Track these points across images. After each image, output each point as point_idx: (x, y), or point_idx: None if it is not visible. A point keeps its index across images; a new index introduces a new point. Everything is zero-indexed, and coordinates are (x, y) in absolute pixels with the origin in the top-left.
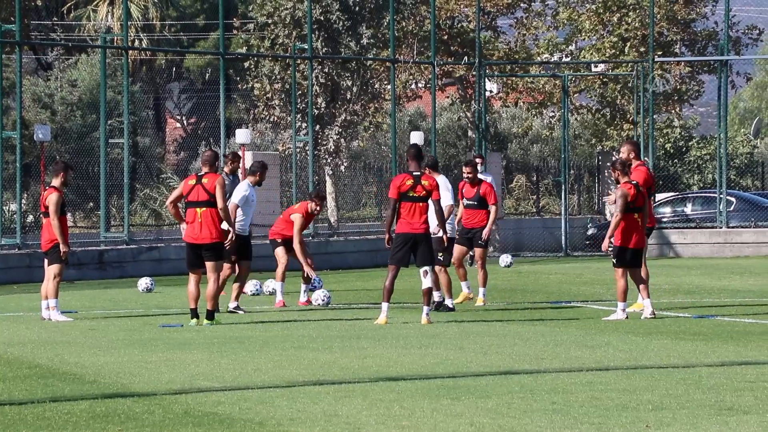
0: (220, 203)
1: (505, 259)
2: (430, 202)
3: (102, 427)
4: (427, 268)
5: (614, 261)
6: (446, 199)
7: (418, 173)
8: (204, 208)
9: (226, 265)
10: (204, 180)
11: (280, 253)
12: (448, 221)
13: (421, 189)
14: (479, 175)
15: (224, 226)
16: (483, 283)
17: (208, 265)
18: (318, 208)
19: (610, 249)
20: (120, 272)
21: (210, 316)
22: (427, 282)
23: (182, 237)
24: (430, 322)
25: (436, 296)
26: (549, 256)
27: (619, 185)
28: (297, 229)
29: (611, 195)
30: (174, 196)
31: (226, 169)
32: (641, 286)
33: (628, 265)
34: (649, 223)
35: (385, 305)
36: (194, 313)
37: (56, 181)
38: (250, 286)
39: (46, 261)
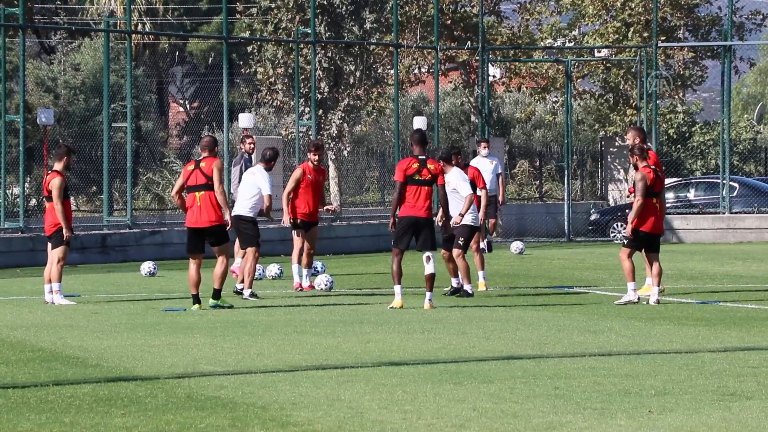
0: (216, 186)
1: (518, 245)
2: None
3: (105, 411)
4: (429, 253)
5: (624, 241)
6: (465, 189)
7: (424, 157)
8: (203, 192)
9: (251, 250)
10: (202, 164)
11: (296, 235)
12: (470, 210)
13: (427, 173)
14: (485, 159)
15: (249, 212)
16: (481, 266)
17: (215, 250)
18: (317, 157)
19: (630, 234)
20: (123, 256)
21: (215, 295)
22: (429, 267)
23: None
24: (432, 307)
25: (453, 282)
26: (552, 241)
27: (637, 170)
28: (289, 182)
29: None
30: (178, 185)
31: (246, 147)
32: (654, 272)
33: (639, 248)
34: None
35: (397, 288)
36: (196, 299)
37: (59, 165)
38: (275, 269)
39: (49, 245)
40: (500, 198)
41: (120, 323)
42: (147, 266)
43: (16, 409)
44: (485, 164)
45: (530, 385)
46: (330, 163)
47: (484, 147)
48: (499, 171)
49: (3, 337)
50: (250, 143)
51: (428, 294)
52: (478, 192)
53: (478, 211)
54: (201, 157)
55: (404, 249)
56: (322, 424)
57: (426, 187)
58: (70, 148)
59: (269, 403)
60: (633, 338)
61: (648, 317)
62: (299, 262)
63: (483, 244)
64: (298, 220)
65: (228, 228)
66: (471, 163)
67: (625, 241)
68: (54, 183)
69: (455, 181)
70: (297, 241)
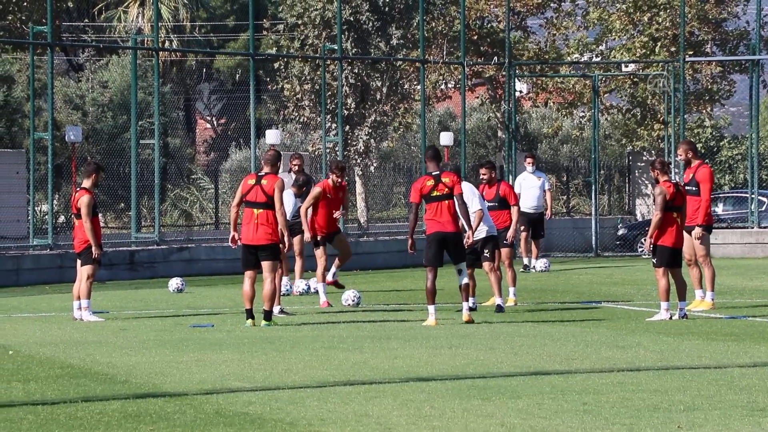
0: (278, 207)
1: (543, 263)
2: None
3: (134, 427)
4: (462, 265)
5: (654, 261)
6: (474, 204)
7: (437, 173)
8: (261, 210)
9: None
10: (263, 181)
11: (319, 253)
12: (483, 221)
13: (443, 187)
14: (532, 175)
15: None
16: (512, 282)
17: (265, 265)
18: (339, 179)
19: (649, 249)
20: (151, 273)
21: (267, 316)
22: (463, 278)
23: (229, 240)
24: (471, 318)
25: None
26: (579, 256)
27: (658, 184)
28: (307, 199)
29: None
30: (237, 198)
31: (294, 168)
32: (681, 287)
33: (668, 265)
34: (708, 220)
35: (431, 307)
36: (249, 314)
37: (87, 183)
38: (303, 285)
39: (78, 262)
40: (547, 213)
41: (148, 339)
42: (175, 282)
43: (46, 426)
44: (532, 180)
45: (558, 400)
46: (357, 178)
47: (530, 163)
48: (547, 187)
49: (32, 354)
50: (296, 164)
51: (465, 304)
52: (511, 207)
53: (508, 228)
54: (263, 173)
55: (437, 265)
56: None
57: (446, 202)
58: (98, 165)
59: (297, 419)
60: (661, 353)
61: (676, 332)
62: (324, 280)
63: (532, 261)
64: (318, 237)
65: (286, 250)
66: (517, 179)
67: (654, 260)
68: (83, 200)
69: (465, 195)
70: (321, 259)
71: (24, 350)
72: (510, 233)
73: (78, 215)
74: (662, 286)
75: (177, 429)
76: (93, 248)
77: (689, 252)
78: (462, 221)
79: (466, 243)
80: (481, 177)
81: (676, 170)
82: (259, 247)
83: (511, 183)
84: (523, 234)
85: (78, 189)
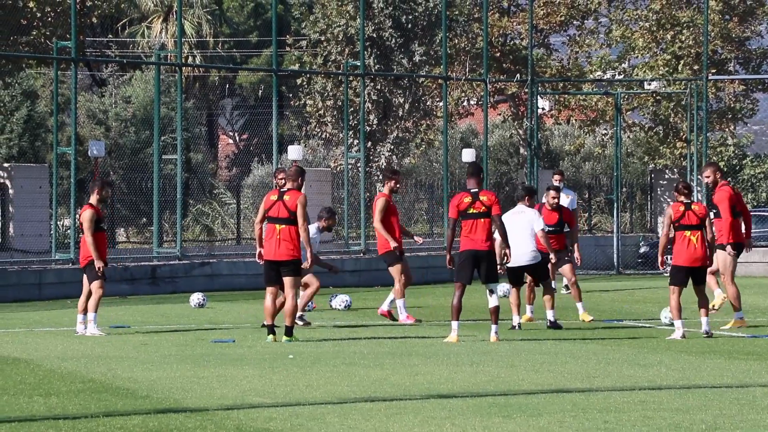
0: (300, 222)
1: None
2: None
3: None
4: (492, 286)
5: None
6: (539, 224)
7: (476, 190)
8: (283, 225)
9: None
10: (286, 197)
11: (399, 268)
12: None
13: (480, 205)
14: (561, 192)
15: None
16: (579, 297)
17: (286, 281)
18: (396, 184)
19: (662, 266)
20: (172, 287)
21: (288, 332)
22: (493, 300)
23: (256, 257)
24: (498, 340)
25: (550, 315)
26: (601, 274)
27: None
28: (376, 212)
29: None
30: (260, 215)
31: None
32: (703, 308)
33: (680, 283)
34: (736, 239)
35: (455, 324)
36: (271, 330)
37: (92, 198)
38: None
39: (85, 276)
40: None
41: (169, 354)
42: (196, 298)
43: None
44: (561, 198)
45: (579, 418)
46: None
47: (558, 180)
48: (575, 206)
49: (54, 368)
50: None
51: (494, 327)
52: (570, 229)
53: (567, 248)
54: (285, 188)
55: (466, 283)
56: None
57: (482, 220)
58: (105, 180)
59: None
60: (683, 372)
61: (698, 351)
62: (403, 295)
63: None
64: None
65: (308, 266)
66: (545, 196)
67: (670, 278)
68: (85, 215)
69: (531, 218)
70: (401, 274)
71: (46, 364)
72: (577, 254)
73: (82, 230)
74: (672, 304)
75: None
76: (95, 262)
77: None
78: (498, 241)
79: (503, 264)
80: (550, 200)
81: (699, 188)
82: (280, 263)
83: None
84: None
85: (83, 205)
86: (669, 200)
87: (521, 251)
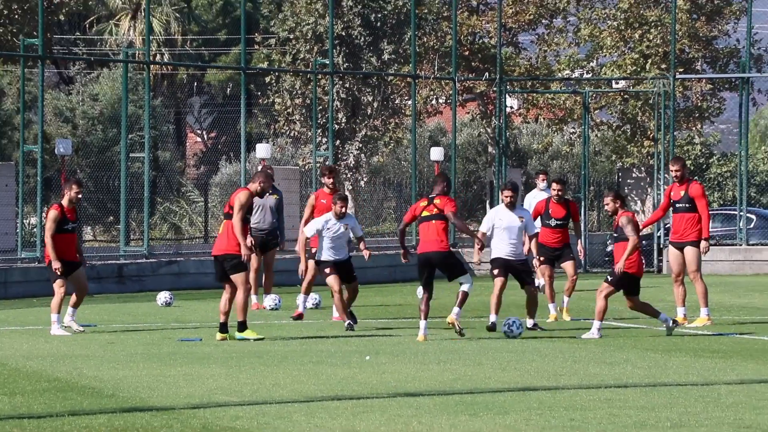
0: (234, 215)
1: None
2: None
3: None
4: (462, 279)
5: (609, 278)
6: (532, 227)
7: (433, 195)
8: (225, 220)
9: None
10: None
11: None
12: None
13: (433, 207)
14: (543, 192)
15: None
16: (569, 293)
17: (233, 277)
18: (330, 180)
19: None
20: (139, 286)
21: (241, 328)
22: (465, 288)
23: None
24: (457, 323)
25: (529, 323)
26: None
27: (619, 213)
28: (305, 210)
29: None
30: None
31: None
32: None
33: (623, 288)
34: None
35: (422, 323)
36: (223, 327)
37: (64, 198)
38: (270, 300)
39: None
40: None
41: (136, 353)
42: (163, 296)
43: None
44: (543, 198)
45: (546, 416)
46: (347, 193)
47: (543, 180)
48: None
49: (19, 367)
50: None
51: (456, 309)
52: (573, 224)
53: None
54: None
55: (425, 288)
56: None
57: (434, 221)
58: (77, 181)
59: None
60: (649, 370)
61: (664, 349)
62: (307, 292)
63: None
64: (313, 250)
65: (243, 259)
66: (527, 196)
67: (610, 279)
68: (48, 215)
69: (527, 218)
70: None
71: (11, 363)
72: (580, 247)
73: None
74: (601, 306)
75: None
76: (53, 263)
77: (678, 268)
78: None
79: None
80: (555, 193)
81: (665, 186)
82: (220, 258)
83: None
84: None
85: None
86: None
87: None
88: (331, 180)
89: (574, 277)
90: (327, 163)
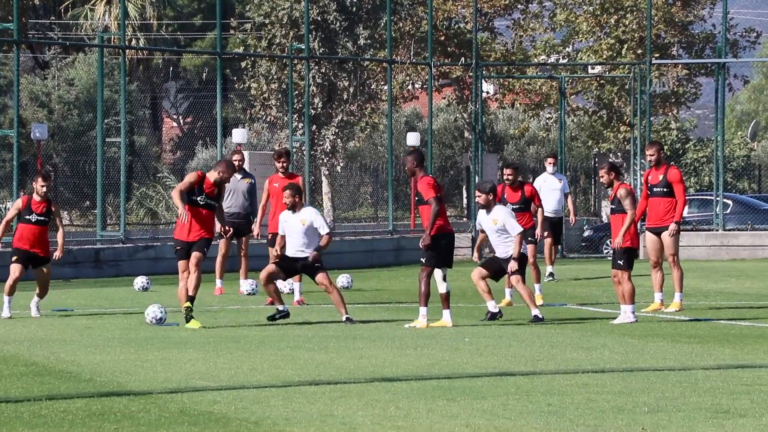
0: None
1: (342, 280)
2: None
3: (98, 426)
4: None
5: (621, 263)
6: (515, 228)
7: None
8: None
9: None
10: None
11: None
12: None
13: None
14: (552, 176)
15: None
16: (536, 279)
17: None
18: (281, 164)
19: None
20: (116, 271)
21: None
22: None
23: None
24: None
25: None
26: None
27: (615, 185)
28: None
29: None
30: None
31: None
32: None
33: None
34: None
35: (423, 309)
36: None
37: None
38: (246, 285)
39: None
40: (572, 219)
41: (113, 338)
42: (140, 281)
43: (9, 424)
44: (553, 182)
45: (523, 401)
46: (323, 178)
47: (551, 163)
48: (567, 190)
49: None
50: (236, 159)
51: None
52: (537, 208)
53: (535, 228)
54: None
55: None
56: None
57: (443, 205)
58: (41, 173)
59: (262, 418)
60: (626, 355)
61: (641, 334)
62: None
63: (551, 269)
64: (269, 235)
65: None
66: (537, 180)
67: (622, 262)
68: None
69: (502, 218)
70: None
71: None
72: (538, 231)
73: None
74: (629, 288)
75: (141, 428)
76: None
77: (655, 254)
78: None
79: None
80: (505, 178)
81: (642, 172)
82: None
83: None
84: (548, 240)
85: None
86: None
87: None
88: (281, 164)
89: (532, 261)
90: (303, 149)
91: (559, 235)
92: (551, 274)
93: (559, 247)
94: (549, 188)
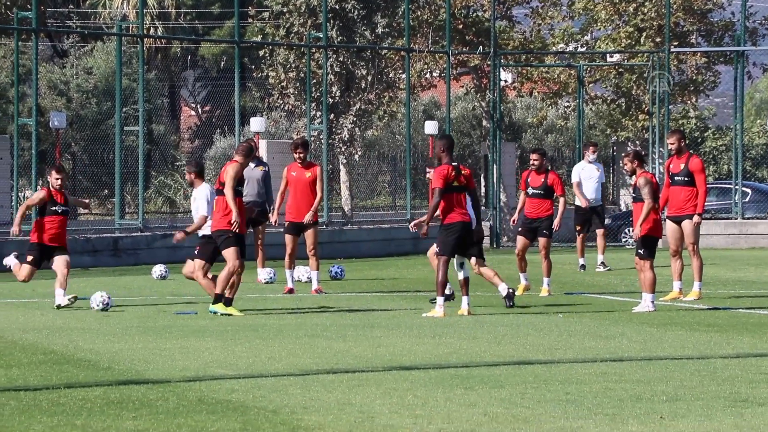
0: (226, 189)
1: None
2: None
3: (116, 414)
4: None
5: (642, 252)
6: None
7: (456, 163)
8: (218, 196)
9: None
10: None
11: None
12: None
13: (463, 179)
14: (591, 165)
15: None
16: (547, 272)
17: (223, 253)
18: (299, 155)
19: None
20: (134, 259)
21: (216, 300)
22: (466, 271)
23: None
24: (471, 313)
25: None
26: (563, 246)
27: (638, 173)
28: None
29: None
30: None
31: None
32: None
33: (654, 255)
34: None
35: (440, 299)
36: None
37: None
38: (264, 274)
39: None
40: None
41: (131, 326)
42: (158, 269)
43: (28, 412)
44: (591, 171)
45: (541, 390)
46: (341, 167)
47: (593, 152)
48: (603, 180)
49: (15, 340)
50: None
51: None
52: (558, 198)
53: (552, 218)
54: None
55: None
56: (332, 428)
57: (463, 194)
58: (54, 167)
59: (280, 407)
60: (644, 344)
61: (660, 323)
62: (291, 267)
63: (599, 257)
64: (286, 223)
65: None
66: (575, 168)
67: (643, 251)
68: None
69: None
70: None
71: (7, 336)
72: (556, 223)
73: None
74: (650, 277)
75: (159, 416)
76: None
77: (675, 243)
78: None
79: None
80: (531, 163)
81: (660, 160)
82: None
83: (498, 173)
84: (580, 235)
85: None
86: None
87: None
88: (298, 154)
89: (544, 253)
90: (321, 137)
91: (602, 220)
92: (602, 263)
93: (605, 231)
94: (587, 176)
